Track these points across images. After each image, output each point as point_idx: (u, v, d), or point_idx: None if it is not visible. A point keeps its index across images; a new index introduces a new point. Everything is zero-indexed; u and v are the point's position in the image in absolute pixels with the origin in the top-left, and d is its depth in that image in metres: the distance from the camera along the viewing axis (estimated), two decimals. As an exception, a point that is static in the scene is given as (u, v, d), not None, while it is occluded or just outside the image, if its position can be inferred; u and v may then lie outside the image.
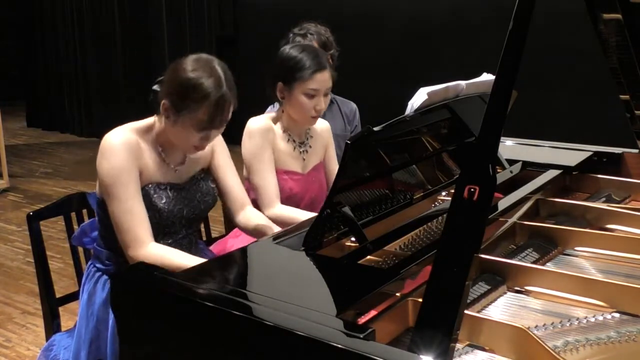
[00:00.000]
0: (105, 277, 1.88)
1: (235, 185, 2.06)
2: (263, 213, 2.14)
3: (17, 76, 9.16)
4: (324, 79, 2.21)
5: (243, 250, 1.60)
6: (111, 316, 1.78)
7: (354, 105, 3.03)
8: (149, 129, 1.89)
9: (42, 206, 2.11)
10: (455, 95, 1.89)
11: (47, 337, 2.01)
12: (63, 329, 2.05)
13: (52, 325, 2.03)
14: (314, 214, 2.03)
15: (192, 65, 1.78)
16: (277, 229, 1.97)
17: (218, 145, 2.05)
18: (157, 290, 1.38)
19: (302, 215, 2.10)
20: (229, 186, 2.03)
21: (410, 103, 1.73)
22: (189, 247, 1.96)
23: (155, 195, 1.84)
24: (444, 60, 4.82)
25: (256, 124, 2.23)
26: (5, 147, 5.66)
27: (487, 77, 2.05)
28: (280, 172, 2.25)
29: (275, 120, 2.30)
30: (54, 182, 5.98)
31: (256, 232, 2.01)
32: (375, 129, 1.58)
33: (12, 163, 6.28)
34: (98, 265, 1.92)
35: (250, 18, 6.43)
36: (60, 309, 2.06)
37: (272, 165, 2.22)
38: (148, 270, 1.44)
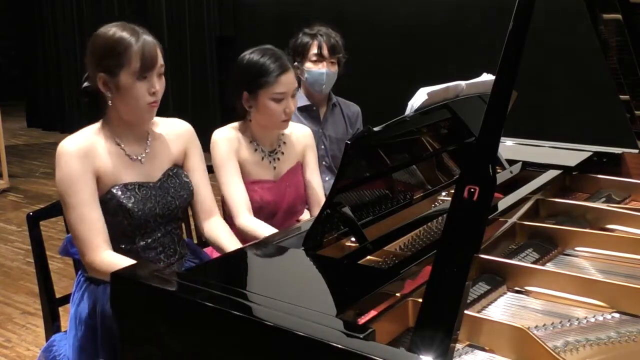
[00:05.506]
0: (92, 285, 1.87)
1: (203, 190, 1.99)
2: (234, 223, 2.09)
3: (17, 76, 9.16)
4: (289, 81, 2.12)
5: (243, 250, 1.61)
6: (99, 324, 1.80)
7: (357, 108, 3.01)
8: (101, 128, 1.87)
9: (42, 206, 2.11)
10: (455, 95, 1.89)
11: (47, 338, 2.01)
12: (63, 329, 2.04)
13: (52, 325, 2.03)
14: (275, 230, 1.98)
15: (104, 29, 1.81)
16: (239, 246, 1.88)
17: (192, 148, 1.99)
18: (156, 290, 1.37)
19: (265, 230, 2.01)
20: (197, 191, 1.98)
21: (410, 103, 1.73)
22: (172, 246, 1.94)
23: (122, 197, 1.80)
24: (444, 60, 4.81)
25: (219, 135, 2.17)
26: (5, 147, 5.67)
27: (487, 77, 2.05)
28: (247, 183, 2.17)
29: (242, 130, 2.22)
30: (54, 182, 5.95)
31: (217, 248, 1.99)
32: (375, 129, 1.58)
33: (12, 163, 6.28)
34: (86, 274, 1.90)
35: (250, 18, 6.43)
36: (60, 309, 2.05)
37: (239, 175, 2.15)
38: (148, 270, 1.44)
